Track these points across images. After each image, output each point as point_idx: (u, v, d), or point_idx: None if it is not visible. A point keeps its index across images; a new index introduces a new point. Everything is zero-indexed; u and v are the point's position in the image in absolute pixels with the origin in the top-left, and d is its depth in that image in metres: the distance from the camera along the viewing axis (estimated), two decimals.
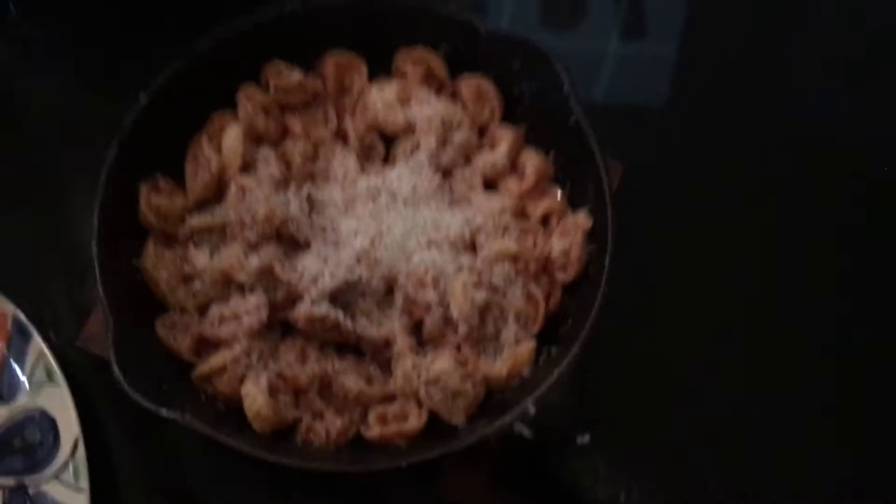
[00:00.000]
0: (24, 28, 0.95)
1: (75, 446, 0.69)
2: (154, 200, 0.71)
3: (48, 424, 0.71)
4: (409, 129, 0.76)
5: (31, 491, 0.70)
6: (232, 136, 0.73)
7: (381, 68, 0.79)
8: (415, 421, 0.67)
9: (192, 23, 0.78)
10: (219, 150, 0.73)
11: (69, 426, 0.70)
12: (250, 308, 0.69)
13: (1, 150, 0.88)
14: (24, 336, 0.73)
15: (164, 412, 0.61)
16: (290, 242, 0.72)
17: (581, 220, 0.71)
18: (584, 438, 0.62)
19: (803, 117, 0.89)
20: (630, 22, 0.94)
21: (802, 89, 0.92)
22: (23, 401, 0.72)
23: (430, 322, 0.70)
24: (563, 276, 0.71)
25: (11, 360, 0.73)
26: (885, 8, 0.95)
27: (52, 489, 0.70)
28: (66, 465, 0.70)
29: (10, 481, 0.71)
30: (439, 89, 0.78)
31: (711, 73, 0.91)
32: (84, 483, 0.68)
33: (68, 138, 0.88)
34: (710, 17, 0.95)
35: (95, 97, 0.91)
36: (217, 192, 0.73)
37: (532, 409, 0.63)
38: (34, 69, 0.93)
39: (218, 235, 0.72)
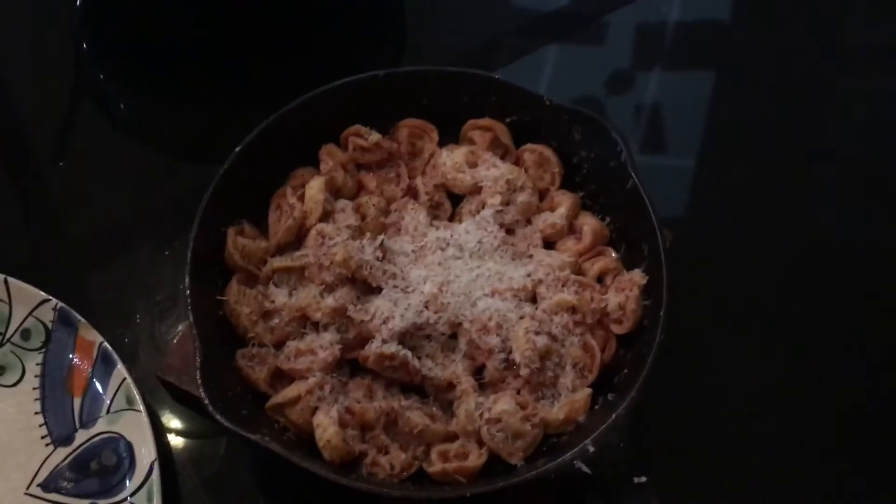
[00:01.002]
0: (114, 95, 1.04)
1: (150, 470, 0.73)
2: (240, 241, 0.77)
3: (125, 448, 0.75)
4: (476, 189, 0.82)
5: None
6: (315, 187, 0.79)
7: (449, 135, 0.86)
8: (476, 459, 0.70)
9: (280, 90, 0.85)
10: (301, 199, 0.79)
11: (146, 450, 0.73)
12: (324, 344, 0.73)
13: (94, 206, 0.95)
14: (109, 364, 0.77)
15: (245, 434, 0.65)
16: (364, 286, 0.77)
17: (637, 276, 0.75)
18: (641, 479, 0.65)
19: (820, 235, 0.94)
20: (649, 136, 1.00)
21: (818, 208, 0.97)
22: (102, 425, 0.76)
23: (492, 366, 0.74)
24: (618, 329, 0.75)
25: (96, 384, 0.77)
26: None
27: None
28: (139, 488, 0.73)
29: (84, 502, 0.74)
30: (504, 155, 0.84)
31: (726, 189, 0.96)
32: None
33: (155, 197, 0.95)
34: (727, 135, 1.00)
35: (174, 161, 0.99)
36: (297, 238, 0.79)
37: (591, 449, 0.66)
38: (115, 132, 1.01)
39: (296, 277, 0.77)
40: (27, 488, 0.74)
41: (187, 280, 0.72)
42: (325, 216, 0.79)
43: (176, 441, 0.79)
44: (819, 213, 0.96)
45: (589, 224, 0.80)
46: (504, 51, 1.07)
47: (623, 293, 0.75)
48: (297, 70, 1.00)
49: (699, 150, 0.98)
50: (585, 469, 0.65)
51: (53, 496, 0.74)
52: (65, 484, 0.75)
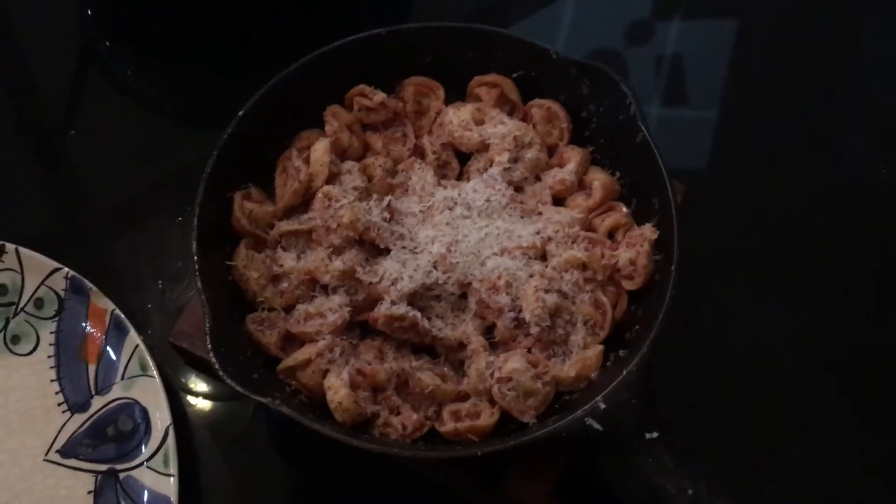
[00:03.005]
0: (121, 63, 1.03)
1: (166, 434, 0.74)
2: (247, 206, 0.76)
3: (141, 413, 0.75)
4: (483, 146, 0.81)
5: (121, 476, 0.74)
6: (320, 149, 0.78)
7: (456, 93, 0.84)
8: (487, 418, 0.70)
9: (285, 51, 0.84)
10: (307, 162, 0.79)
11: (161, 415, 0.74)
12: (334, 307, 0.73)
13: (103, 175, 0.95)
14: (121, 331, 0.78)
15: (256, 398, 0.65)
16: (372, 248, 0.76)
17: (648, 231, 0.74)
18: (653, 435, 0.65)
19: (841, 181, 0.92)
20: (670, 87, 0.98)
21: (842, 154, 0.95)
22: (117, 391, 0.77)
23: (502, 325, 0.73)
24: (629, 285, 0.74)
25: (109, 352, 0.78)
26: None
27: (142, 475, 0.74)
28: (156, 452, 0.74)
29: (101, 467, 0.75)
30: (511, 112, 0.83)
31: (749, 138, 0.95)
32: (173, 469, 0.72)
33: (157, 163, 0.95)
34: (750, 84, 0.98)
35: (182, 127, 0.99)
36: (304, 201, 0.78)
37: (602, 406, 0.65)
38: (143, 108, 1.00)
39: (304, 240, 0.77)
40: (46, 454, 0.76)
41: (194, 246, 0.72)
42: (332, 178, 0.78)
43: (191, 405, 0.80)
44: (844, 162, 0.94)
45: (599, 179, 0.79)
46: (521, 3, 1.05)
47: (634, 248, 0.74)
48: (302, 31, 0.99)
49: (721, 101, 0.96)
50: (597, 426, 0.65)
51: (72, 462, 0.75)
52: (83, 450, 0.76)
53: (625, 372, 0.66)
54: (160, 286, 0.85)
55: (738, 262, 0.86)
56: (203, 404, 0.80)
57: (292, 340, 0.74)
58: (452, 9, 1.04)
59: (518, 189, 0.80)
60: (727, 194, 0.91)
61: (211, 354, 0.67)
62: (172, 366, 0.80)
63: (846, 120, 0.96)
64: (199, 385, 0.81)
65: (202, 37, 1.01)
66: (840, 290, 0.84)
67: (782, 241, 0.88)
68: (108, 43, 1.05)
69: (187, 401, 0.80)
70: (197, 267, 0.71)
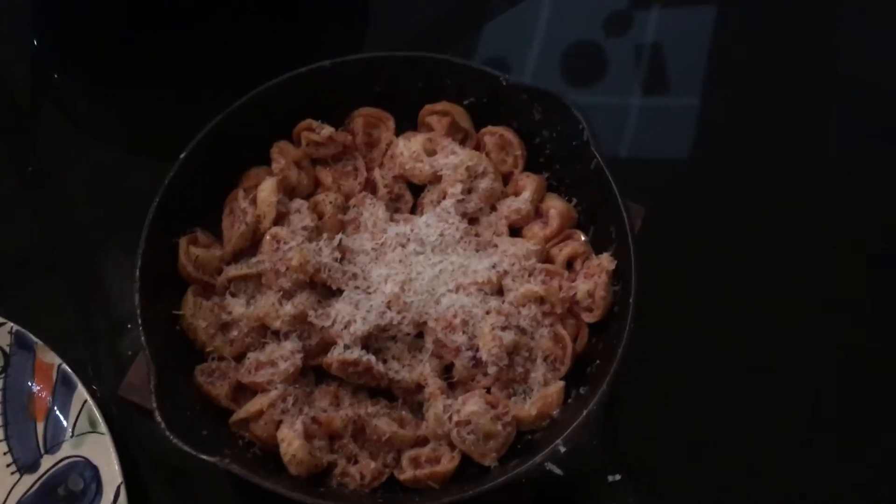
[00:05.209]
0: (65, 91, 1.00)
1: (117, 494, 0.71)
2: (192, 251, 0.74)
3: (91, 472, 0.73)
4: (436, 178, 0.79)
5: None
6: (266, 189, 0.76)
7: (407, 122, 0.82)
8: (447, 463, 0.68)
9: (227, 86, 0.82)
10: (254, 202, 0.76)
11: (111, 474, 0.72)
12: (285, 354, 0.71)
13: (45, 209, 0.92)
14: (69, 386, 0.75)
15: (204, 457, 0.63)
16: (323, 290, 0.74)
17: (605, 261, 0.72)
18: (616, 477, 0.63)
19: (825, 165, 0.91)
20: (651, 76, 0.96)
21: (824, 138, 0.94)
22: (67, 449, 0.74)
23: (460, 364, 0.71)
24: (589, 317, 0.72)
25: (56, 410, 0.75)
26: None
27: None
28: None
29: None
30: (464, 140, 0.81)
31: (732, 124, 0.93)
32: None
33: (109, 197, 0.92)
34: (731, 70, 0.97)
35: (135, 158, 0.96)
36: (252, 244, 0.76)
37: (563, 449, 0.63)
38: (76, 131, 0.98)
39: (254, 285, 0.74)
40: None
41: (137, 298, 0.69)
42: (280, 218, 0.76)
43: (146, 459, 0.77)
44: (827, 147, 0.93)
45: (555, 207, 0.77)
46: None
47: (592, 279, 0.72)
48: (257, 60, 0.96)
49: (703, 89, 0.94)
50: (557, 471, 0.63)
51: None
52: None
53: (584, 412, 0.65)
54: (109, 335, 0.82)
55: (701, 281, 0.84)
56: (159, 457, 0.77)
57: (244, 391, 0.72)
58: (424, 9, 1.02)
59: (473, 220, 0.78)
60: (711, 181, 0.90)
61: (157, 414, 0.64)
62: (125, 417, 0.77)
63: (828, 104, 0.95)
64: (154, 437, 0.78)
65: (147, 66, 0.99)
66: (812, 315, 0.82)
67: (768, 235, 0.86)
68: (56, 75, 1.02)
69: (141, 454, 0.77)
70: (140, 321, 0.69)
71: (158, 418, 0.64)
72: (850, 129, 0.94)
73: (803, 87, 0.96)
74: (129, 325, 0.83)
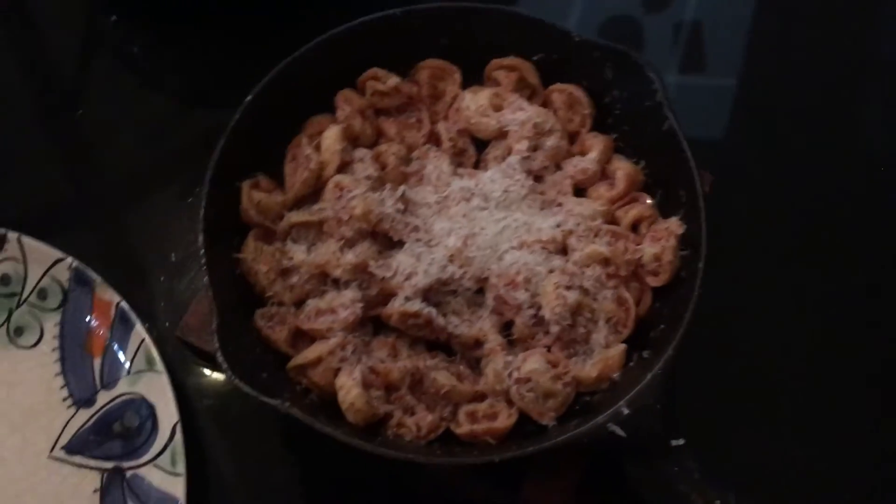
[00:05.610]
0: (127, 40, 0.99)
1: (173, 432, 0.71)
2: (255, 196, 0.73)
3: (147, 410, 0.73)
4: (502, 134, 0.77)
5: (127, 475, 0.72)
6: (332, 136, 0.75)
7: (472, 77, 0.81)
8: (505, 419, 0.67)
9: (295, 30, 0.81)
10: (318, 149, 0.76)
11: (168, 412, 0.72)
12: (346, 302, 0.70)
13: (109, 155, 0.92)
14: (127, 324, 0.75)
15: (266, 399, 0.63)
16: (385, 240, 0.73)
17: (674, 225, 0.71)
18: (679, 441, 0.62)
19: (861, 153, 0.89)
20: (688, 55, 0.95)
21: (861, 125, 0.92)
22: (123, 386, 0.75)
23: (521, 322, 0.70)
24: (654, 281, 0.71)
25: (114, 346, 0.75)
26: None
27: (149, 473, 0.72)
28: (163, 450, 0.72)
29: (107, 465, 0.73)
30: (531, 97, 0.79)
31: (768, 108, 0.92)
32: (181, 468, 0.70)
33: (172, 143, 0.92)
34: (769, 53, 0.95)
35: (190, 104, 0.95)
36: (315, 191, 0.75)
37: (626, 411, 0.63)
38: (131, 75, 0.97)
39: (315, 232, 0.74)
40: (51, 451, 0.74)
41: (201, 239, 0.69)
42: (343, 166, 0.75)
43: (200, 400, 0.78)
44: (866, 132, 0.91)
45: (622, 168, 0.76)
46: None
47: (659, 243, 0.71)
48: (312, 11, 0.95)
49: (741, 69, 0.93)
50: (619, 432, 0.62)
51: (77, 459, 0.73)
52: (88, 446, 0.74)
53: (649, 376, 0.64)
54: (167, 276, 0.82)
55: (764, 250, 0.83)
56: (211, 400, 0.77)
57: (303, 337, 0.71)
58: None
59: (537, 178, 0.77)
60: (742, 165, 0.88)
61: (219, 355, 0.64)
62: (180, 359, 0.78)
63: (867, 88, 0.93)
64: (208, 379, 0.78)
65: (210, 14, 0.97)
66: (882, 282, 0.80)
67: (808, 223, 0.85)
68: (114, 18, 1.01)
69: (195, 396, 0.77)
70: (204, 261, 0.68)
71: (221, 359, 0.64)
72: (890, 116, 0.91)
73: (842, 73, 0.93)
74: (185, 268, 0.83)
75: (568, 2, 0.97)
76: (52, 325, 0.78)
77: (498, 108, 0.78)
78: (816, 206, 0.86)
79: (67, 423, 0.74)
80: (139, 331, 0.75)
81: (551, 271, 0.71)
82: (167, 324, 0.79)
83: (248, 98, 0.74)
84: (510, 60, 0.79)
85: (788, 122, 0.90)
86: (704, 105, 0.92)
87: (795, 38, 0.95)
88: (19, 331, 0.78)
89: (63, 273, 0.78)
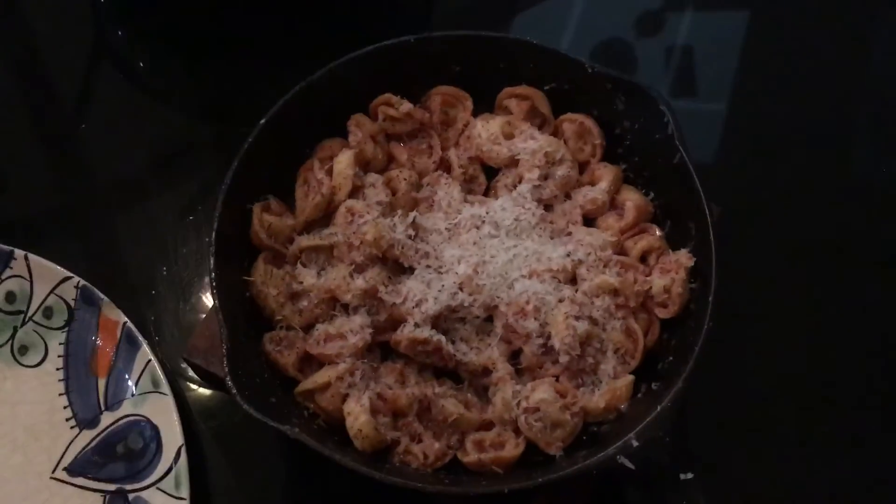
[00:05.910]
0: (133, 55, 1.00)
1: (178, 455, 0.71)
2: (266, 219, 0.73)
3: (151, 432, 0.73)
4: (513, 162, 0.78)
5: (130, 497, 0.72)
6: (344, 161, 0.75)
7: (483, 104, 0.81)
8: (512, 449, 0.67)
9: (307, 58, 0.81)
10: (329, 174, 0.76)
11: (172, 435, 0.72)
12: (355, 328, 0.70)
13: (123, 175, 0.92)
14: (133, 345, 0.75)
15: (274, 425, 0.63)
16: (395, 266, 0.74)
17: (684, 257, 0.71)
18: (688, 475, 0.62)
19: (852, 178, 0.90)
20: (680, 79, 0.95)
21: (852, 151, 0.93)
22: (128, 408, 0.74)
23: (529, 351, 0.70)
24: (663, 313, 0.72)
25: (120, 366, 0.75)
26: None
27: (152, 497, 0.71)
28: (167, 473, 0.71)
29: (110, 487, 0.72)
30: (541, 125, 0.80)
31: (757, 133, 0.92)
32: (185, 492, 0.70)
33: (177, 160, 0.92)
34: (760, 78, 0.96)
35: (200, 123, 0.95)
36: (326, 215, 0.76)
37: (635, 443, 0.63)
38: (137, 91, 0.97)
39: (325, 256, 0.74)
40: (53, 472, 0.73)
41: (212, 262, 0.69)
42: (355, 191, 0.76)
43: (204, 423, 0.77)
44: (854, 158, 0.92)
45: (632, 199, 0.76)
46: None
47: (668, 275, 0.71)
48: (322, 31, 0.96)
49: (731, 94, 0.94)
50: (629, 464, 0.62)
51: (79, 480, 0.73)
52: (91, 468, 0.73)
53: (659, 408, 0.64)
54: (173, 296, 0.82)
55: (766, 278, 0.83)
56: (216, 423, 0.77)
57: (311, 361, 0.71)
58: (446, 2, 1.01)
59: (547, 207, 0.77)
60: (735, 189, 0.89)
61: (228, 379, 0.64)
62: (186, 380, 0.77)
63: (856, 114, 0.94)
64: (212, 401, 0.78)
65: (218, 30, 0.98)
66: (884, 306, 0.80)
67: (800, 245, 0.86)
68: (120, 33, 1.02)
69: (200, 417, 0.77)
70: (214, 284, 0.68)
71: (230, 384, 0.63)
72: (881, 141, 0.92)
73: (833, 99, 0.95)
74: (192, 290, 0.83)
75: (561, 25, 0.98)
76: (56, 343, 0.77)
77: (509, 137, 0.78)
78: (813, 235, 0.87)
79: (70, 443, 0.74)
80: (145, 351, 0.74)
81: (561, 301, 0.71)
82: (172, 345, 0.79)
83: (262, 121, 0.74)
84: (522, 89, 0.79)
85: (779, 146, 0.91)
86: (694, 130, 0.91)
87: (786, 63, 0.96)
88: (23, 349, 0.77)
89: (70, 292, 0.77)
